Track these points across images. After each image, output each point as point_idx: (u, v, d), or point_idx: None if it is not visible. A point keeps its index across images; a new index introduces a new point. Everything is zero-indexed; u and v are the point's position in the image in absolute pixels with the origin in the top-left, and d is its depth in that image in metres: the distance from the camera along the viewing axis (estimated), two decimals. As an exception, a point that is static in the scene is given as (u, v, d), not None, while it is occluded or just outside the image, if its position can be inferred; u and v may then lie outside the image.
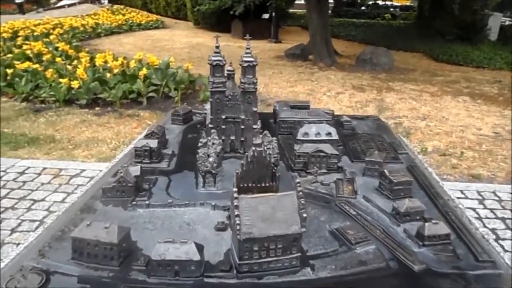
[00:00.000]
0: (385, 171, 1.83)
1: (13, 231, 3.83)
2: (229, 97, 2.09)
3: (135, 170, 1.79)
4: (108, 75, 7.24)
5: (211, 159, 1.79)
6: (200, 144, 1.90)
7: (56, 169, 5.01)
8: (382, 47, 12.18)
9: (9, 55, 9.01)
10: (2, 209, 4.12)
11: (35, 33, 12.37)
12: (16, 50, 9.48)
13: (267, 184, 1.46)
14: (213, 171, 1.81)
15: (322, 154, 2.02)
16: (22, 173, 4.91)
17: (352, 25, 18.76)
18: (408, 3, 22.98)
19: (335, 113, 3.01)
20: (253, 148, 1.43)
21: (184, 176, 1.97)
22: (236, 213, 1.22)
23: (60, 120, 6.50)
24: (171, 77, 7.20)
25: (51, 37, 11.30)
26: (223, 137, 2.15)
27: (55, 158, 5.32)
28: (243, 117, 2.14)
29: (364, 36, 16.77)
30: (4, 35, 12.04)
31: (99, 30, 15.47)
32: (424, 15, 15.81)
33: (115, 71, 7.38)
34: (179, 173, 2.01)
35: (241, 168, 1.46)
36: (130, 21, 18.55)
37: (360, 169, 2.08)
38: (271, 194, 1.31)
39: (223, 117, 2.12)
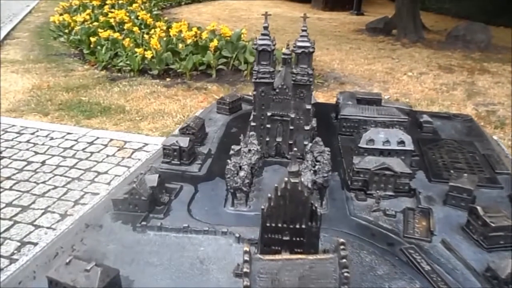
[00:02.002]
0: (478, 208, 1.29)
1: (75, 203, 3.82)
2: (277, 90, 1.65)
3: (152, 179, 1.44)
4: (181, 45, 7.05)
5: (242, 173, 1.39)
6: (232, 152, 1.50)
7: (122, 141, 4.97)
8: (479, 23, 10.64)
9: (95, 23, 9.20)
10: (69, 179, 4.16)
11: (121, 1, 12.58)
12: (102, 18, 9.66)
13: (303, 226, 1.04)
14: (244, 188, 1.40)
15: (388, 172, 1.52)
16: (91, 143, 4.93)
17: (446, -3, 16.78)
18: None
19: (412, 108, 2.43)
20: (286, 178, 1.01)
21: (214, 187, 1.60)
22: (245, 283, 0.82)
23: (131, 90, 6.47)
24: (242, 50, 6.81)
25: (134, 5, 11.38)
26: (267, 138, 1.73)
27: (122, 130, 5.29)
28: (293, 115, 1.69)
29: (459, 9, 14.86)
30: (94, 2, 12.40)
31: (181, -1, 15.40)
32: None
33: (188, 41, 7.16)
34: (210, 182, 1.64)
35: (268, 203, 1.04)
36: (211, -10, 18.26)
37: (440, 193, 1.55)
38: (300, 257, 0.88)
39: (269, 114, 1.69)
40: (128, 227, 1.36)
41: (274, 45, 1.63)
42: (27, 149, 4.69)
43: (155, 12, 11.07)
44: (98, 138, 5.07)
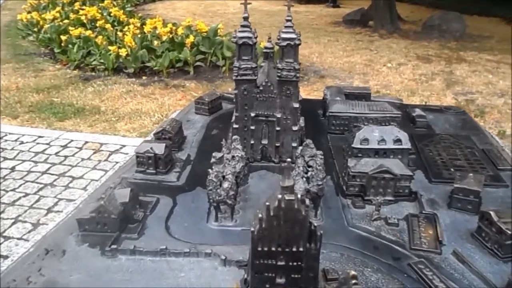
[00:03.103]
0: (491, 213, 1.15)
1: (49, 210, 3.57)
2: (261, 88, 1.47)
3: (123, 194, 1.25)
4: (156, 42, 6.77)
5: (226, 185, 1.21)
6: (213, 160, 1.31)
7: (97, 143, 4.71)
8: (453, 12, 10.67)
9: (66, 21, 8.79)
10: (42, 186, 3.90)
11: (93, -2, 12.14)
12: (73, 16, 9.25)
13: (300, 249, 0.87)
14: (229, 201, 1.22)
15: (388, 176, 1.37)
16: (64, 146, 4.66)
17: (419, -13, 16.85)
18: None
19: (403, 102, 2.29)
20: (280, 195, 0.83)
21: (195, 198, 1.41)
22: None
23: (106, 90, 6.17)
24: (219, 46, 6.59)
25: (106, 2, 10.97)
26: (252, 141, 1.55)
27: (98, 131, 5.02)
28: (279, 115, 1.51)
29: (433, -1, 14.97)
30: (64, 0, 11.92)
31: (155, -6, 14.98)
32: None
33: (164, 38, 6.88)
34: (189, 193, 1.45)
35: (259, 224, 0.87)
36: (186, -15, 17.88)
37: (443, 195, 1.41)
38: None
39: (253, 114, 1.51)
40: (96, 251, 1.17)
41: (255, 37, 1.45)
42: (-5, 155, 4.41)
43: (128, 9, 10.69)
44: (72, 141, 4.79)
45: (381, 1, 10.35)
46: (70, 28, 7.95)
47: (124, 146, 4.65)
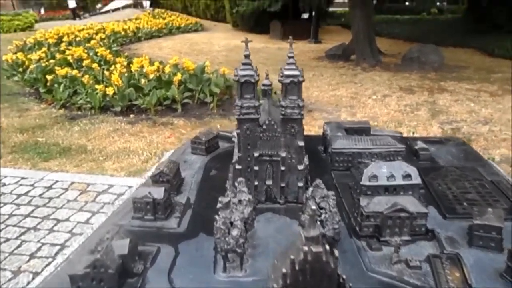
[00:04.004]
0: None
1: (31, 256, 3.36)
2: (264, 126, 1.40)
3: (122, 245, 1.13)
4: (143, 81, 6.74)
5: (235, 232, 1.11)
6: (219, 205, 1.22)
7: (84, 183, 4.53)
8: (430, 44, 11.04)
9: (52, 61, 8.76)
10: (24, 230, 3.70)
11: (78, 39, 12.20)
12: (59, 56, 9.24)
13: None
14: (239, 250, 1.12)
15: (403, 215, 1.29)
16: (49, 187, 4.47)
17: (396, 22, 17.50)
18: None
19: (403, 135, 2.25)
20: (306, 246, 0.74)
21: (199, 246, 1.30)
22: None
23: (93, 129, 6.05)
24: (207, 83, 6.59)
25: (92, 42, 11.03)
26: (256, 182, 1.46)
27: (84, 171, 4.85)
28: (283, 154, 1.44)
29: (409, 33, 15.53)
30: (50, 40, 11.96)
31: (140, 34, 15.18)
32: (475, 7, 14.38)
33: (151, 76, 6.86)
34: (192, 240, 1.34)
35: (282, 280, 0.77)
36: (170, 25, 18.23)
37: (461, 232, 1.33)
38: None
39: (256, 154, 1.43)
40: (93, 314, 1.04)
41: (258, 75, 1.39)
42: (-26, 199, 4.20)
43: (114, 48, 10.75)
44: (57, 181, 4.60)
45: (361, 36, 10.65)
46: (56, 68, 7.91)
47: (112, 186, 4.49)
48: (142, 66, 7.34)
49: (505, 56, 11.10)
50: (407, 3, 19.06)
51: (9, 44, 12.08)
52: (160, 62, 7.68)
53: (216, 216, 1.19)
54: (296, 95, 1.40)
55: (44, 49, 10.08)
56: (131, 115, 6.49)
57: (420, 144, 1.99)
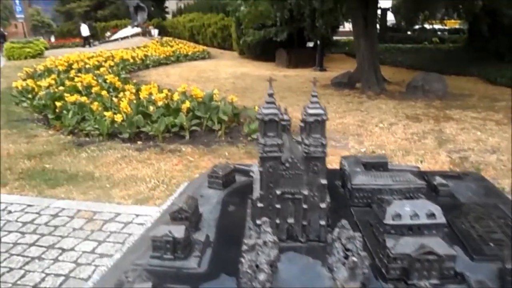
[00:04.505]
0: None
1: (35, 287, 3.29)
2: (287, 165, 1.38)
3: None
4: (152, 108, 6.79)
5: (262, 277, 1.07)
6: (244, 247, 1.18)
7: (90, 211, 4.49)
8: (434, 73, 11.16)
9: (61, 88, 8.87)
10: (29, 259, 3.64)
11: (88, 66, 12.41)
12: (68, 83, 9.36)
13: None
14: (266, 295, 1.08)
15: (432, 257, 1.25)
16: (55, 215, 4.43)
17: (398, 51, 17.73)
18: (457, 26, 21.56)
19: (419, 169, 2.21)
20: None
21: (221, 289, 1.26)
22: None
23: (101, 156, 6.05)
24: (215, 110, 6.63)
25: (101, 69, 11.20)
26: (277, 220, 1.43)
27: (91, 199, 4.82)
28: (306, 192, 1.41)
29: (412, 61, 15.73)
30: (60, 67, 12.16)
31: (148, 62, 15.44)
32: (477, 37, 14.59)
33: (159, 103, 6.92)
34: (214, 281, 1.29)
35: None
36: (178, 52, 18.56)
37: (491, 275, 1.28)
38: None
39: (278, 192, 1.40)
40: None
41: (281, 114, 1.39)
42: (-21, 226, 4.16)
43: (123, 75, 10.90)
44: (63, 209, 4.56)
45: (366, 64, 10.78)
46: (66, 94, 8.00)
47: (119, 214, 4.45)
48: (150, 93, 7.41)
49: (507, 84, 11.18)
50: (409, 33, 19.37)
51: (20, 71, 12.29)
52: (169, 90, 7.76)
53: (242, 259, 1.15)
54: (320, 134, 1.38)
55: (53, 76, 10.24)
56: (139, 142, 6.50)
57: (439, 180, 1.95)
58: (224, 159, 5.84)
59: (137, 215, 4.38)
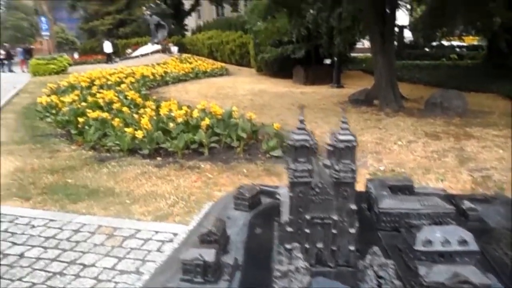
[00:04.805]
0: None
1: (57, 304, 3.32)
2: (317, 190, 1.38)
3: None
4: (171, 124, 6.88)
5: (295, 305, 1.07)
6: (277, 273, 1.18)
7: (111, 227, 4.52)
8: (453, 89, 11.02)
9: (84, 104, 9.08)
10: (51, 274, 3.68)
11: (109, 82, 12.68)
12: (90, 99, 9.58)
13: None
14: (299, 325, 1.07)
15: (467, 286, 1.23)
16: (77, 231, 4.47)
17: (416, 67, 17.62)
18: (476, 43, 21.37)
19: (445, 192, 2.18)
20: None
21: (252, 315, 1.26)
22: None
23: (121, 171, 6.12)
24: (234, 127, 6.68)
25: (122, 85, 11.43)
26: (306, 245, 1.43)
27: (111, 215, 4.86)
28: (335, 217, 1.41)
29: (430, 78, 15.60)
30: (82, 84, 12.45)
31: (167, 78, 15.70)
32: (495, 53, 14.44)
33: (179, 120, 7.02)
34: (244, 306, 1.30)
35: None
36: (196, 69, 18.83)
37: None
38: None
39: (308, 217, 1.40)
40: None
41: (312, 140, 1.40)
42: (4, 240, 4.17)
43: (143, 92, 11.09)
44: (84, 224, 4.60)
45: (383, 81, 10.74)
46: (88, 110, 8.17)
47: (138, 230, 4.46)
48: (170, 110, 7.52)
49: (528, 101, 10.98)
50: (427, 49, 19.26)
51: (44, 87, 12.64)
52: (188, 106, 7.86)
53: (274, 285, 1.15)
54: (350, 160, 1.38)
55: (76, 92, 10.48)
56: (159, 158, 6.57)
57: (467, 204, 1.91)
58: (243, 176, 5.85)
59: (156, 232, 4.40)
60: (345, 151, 1.37)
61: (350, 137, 1.38)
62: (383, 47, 10.64)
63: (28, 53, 29.06)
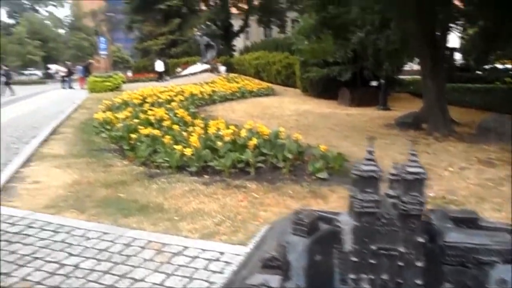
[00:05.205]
0: None
1: (109, 318, 3.39)
2: (384, 221, 1.36)
3: None
4: (219, 143, 7.01)
5: None
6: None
7: (160, 243, 4.60)
8: (508, 115, 10.47)
9: (136, 120, 9.45)
10: (103, 287, 3.78)
11: (160, 100, 13.15)
12: (142, 116, 9.96)
13: None
14: None
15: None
16: (128, 245, 4.57)
17: (468, 91, 16.94)
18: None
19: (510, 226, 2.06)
20: None
21: None
22: None
23: (170, 188, 6.26)
24: (280, 148, 6.70)
25: (173, 103, 11.82)
26: (371, 276, 1.40)
27: (160, 230, 4.95)
28: (402, 249, 1.37)
29: (482, 102, 14.93)
30: (135, 101, 13.00)
31: (215, 97, 16.06)
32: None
33: (226, 139, 7.14)
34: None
35: None
36: (243, 89, 19.14)
37: None
38: None
39: (374, 248, 1.38)
40: None
41: (381, 170, 1.39)
42: (61, 250, 4.34)
43: (192, 110, 11.41)
44: (135, 239, 4.69)
45: (433, 105, 10.42)
46: (140, 127, 8.48)
47: (186, 248, 4.50)
48: (218, 129, 7.67)
49: None
50: (479, 72, 18.49)
51: (99, 103, 13.32)
52: (235, 126, 7.98)
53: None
54: (418, 192, 1.35)
55: (129, 109, 10.96)
56: (206, 176, 6.67)
57: (540, 242, 1.80)
58: (288, 197, 5.82)
59: (203, 250, 4.43)
60: (413, 183, 1.34)
61: (420, 170, 1.35)
62: (433, 70, 10.37)
63: (87, 71, 30.83)
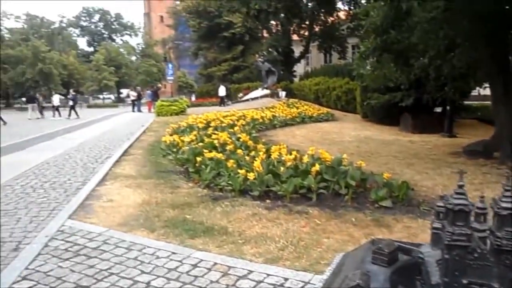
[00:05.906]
0: None
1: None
2: (476, 255, 1.34)
3: None
4: (282, 168, 7.07)
5: None
6: None
7: (225, 266, 4.67)
8: None
9: (200, 144, 9.81)
10: (171, 304, 3.88)
11: (223, 124, 13.57)
12: (206, 139, 10.33)
13: None
14: None
15: None
16: (195, 266, 4.68)
17: (544, 118, 15.67)
18: None
19: None
20: None
21: None
22: None
23: (233, 211, 6.37)
24: (343, 175, 6.62)
25: (235, 128, 12.15)
26: (461, 312, 1.37)
27: (225, 253, 5.04)
28: (496, 285, 1.34)
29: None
30: (199, 125, 13.52)
31: (275, 122, 16.26)
32: None
33: (288, 164, 7.19)
34: None
35: None
36: (303, 114, 19.18)
37: None
38: None
39: (465, 282, 1.35)
40: None
41: (473, 205, 1.37)
42: (134, 267, 4.54)
43: (253, 134, 11.65)
44: (201, 260, 4.78)
45: (505, 132, 9.78)
46: (204, 150, 8.77)
47: (251, 272, 4.51)
48: (280, 154, 7.75)
49: None
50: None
51: (166, 126, 14.00)
52: (297, 151, 8.02)
53: None
54: (513, 227, 1.32)
55: (194, 132, 11.41)
56: (268, 201, 6.72)
57: None
58: (351, 224, 5.70)
59: (268, 275, 4.43)
60: (507, 218, 1.31)
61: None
62: (506, 96, 9.77)
63: (156, 95, 32.61)
